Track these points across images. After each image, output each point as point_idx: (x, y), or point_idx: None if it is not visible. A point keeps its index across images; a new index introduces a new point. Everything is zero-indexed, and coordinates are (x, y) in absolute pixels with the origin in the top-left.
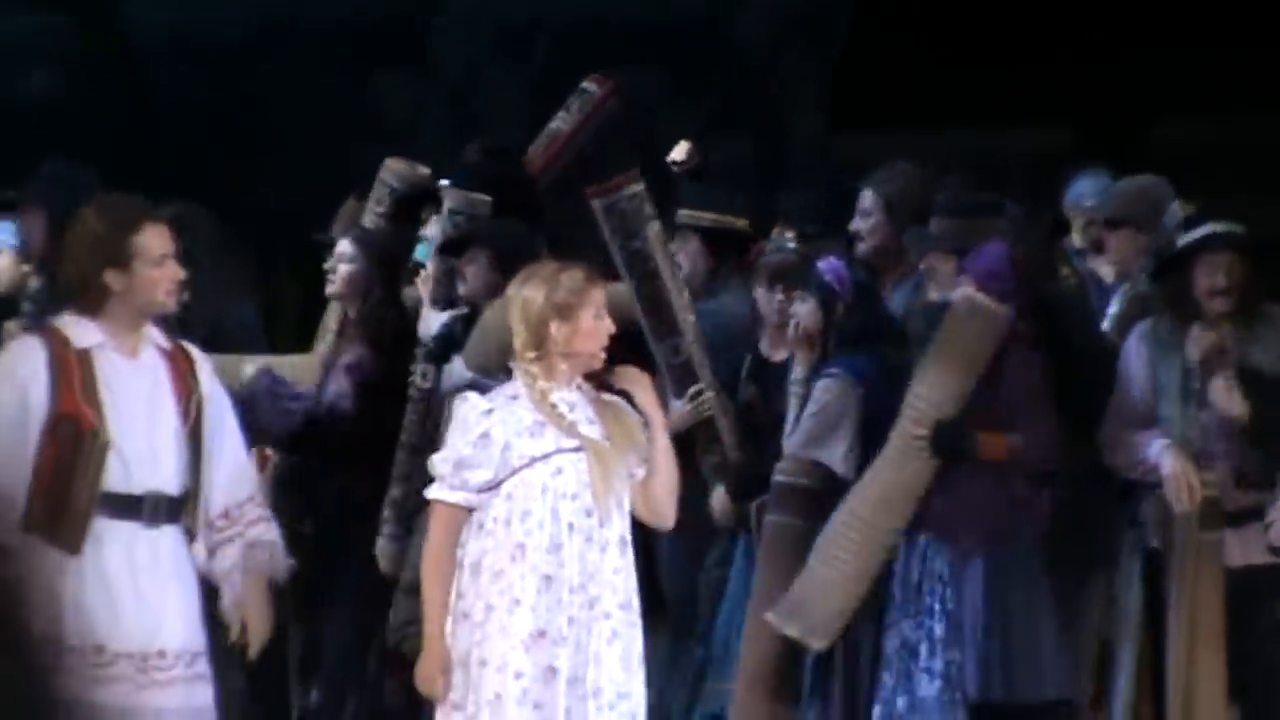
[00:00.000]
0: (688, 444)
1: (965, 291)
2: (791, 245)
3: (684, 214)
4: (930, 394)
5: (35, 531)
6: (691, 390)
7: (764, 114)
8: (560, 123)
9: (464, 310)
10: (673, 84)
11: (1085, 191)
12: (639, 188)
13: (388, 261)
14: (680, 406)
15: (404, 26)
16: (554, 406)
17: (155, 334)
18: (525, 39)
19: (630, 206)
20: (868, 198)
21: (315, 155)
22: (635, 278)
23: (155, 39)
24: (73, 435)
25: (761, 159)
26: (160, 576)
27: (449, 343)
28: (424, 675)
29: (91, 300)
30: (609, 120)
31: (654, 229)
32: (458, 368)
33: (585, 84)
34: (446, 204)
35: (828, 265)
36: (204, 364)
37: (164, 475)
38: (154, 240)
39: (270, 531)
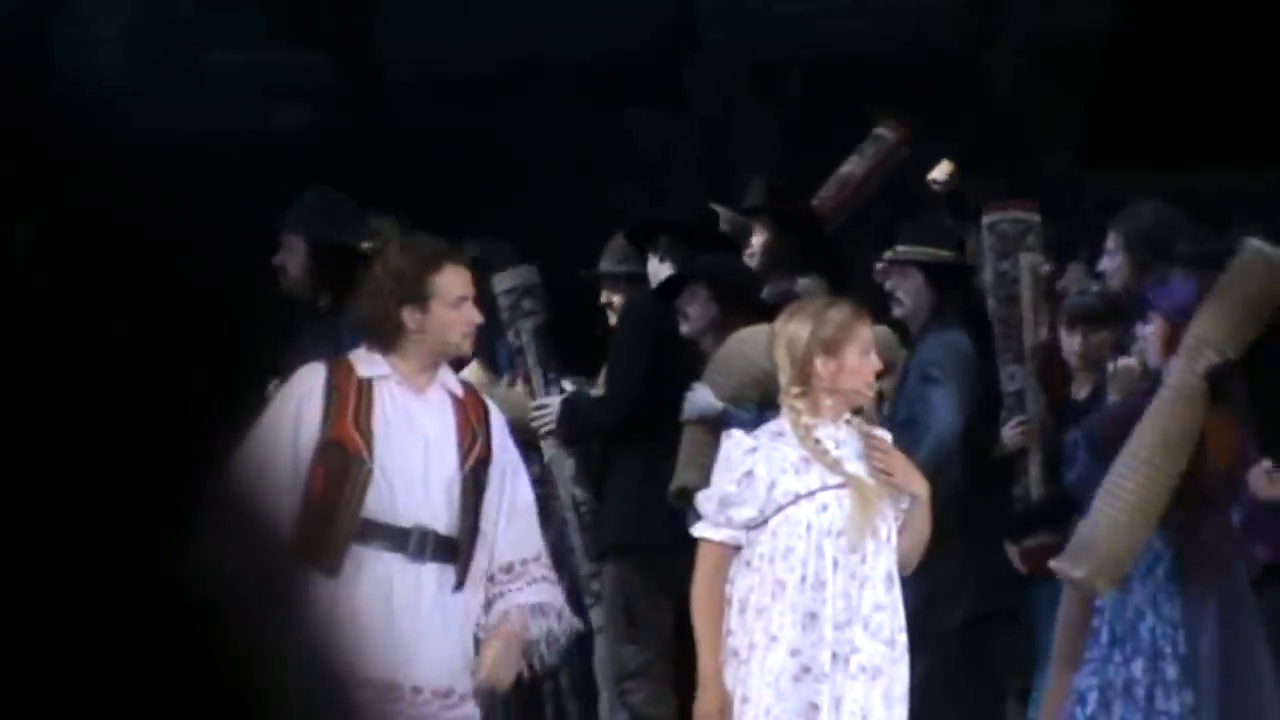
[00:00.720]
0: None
1: (1253, 242)
2: (1095, 289)
3: (903, 249)
4: (1206, 333)
5: (299, 553)
6: (1016, 419)
7: (1017, 152)
8: (852, 166)
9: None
10: (926, 121)
11: None
12: (1028, 217)
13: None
14: (1003, 433)
15: (658, 63)
16: (818, 443)
17: (449, 377)
18: (779, 76)
19: (1011, 230)
20: (1111, 237)
21: (567, 191)
22: (997, 299)
23: (409, 74)
24: (340, 460)
25: (1015, 196)
26: (419, 612)
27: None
28: (703, 714)
29: (387, 337)
30: (898, 166)
31: (1029, 259)
32: (701, 397)
33: (879, 130)
34: (503, 285)
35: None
36: (498, 417)
37: (434, 512)
38: (454, 281)
39: (553, 594)
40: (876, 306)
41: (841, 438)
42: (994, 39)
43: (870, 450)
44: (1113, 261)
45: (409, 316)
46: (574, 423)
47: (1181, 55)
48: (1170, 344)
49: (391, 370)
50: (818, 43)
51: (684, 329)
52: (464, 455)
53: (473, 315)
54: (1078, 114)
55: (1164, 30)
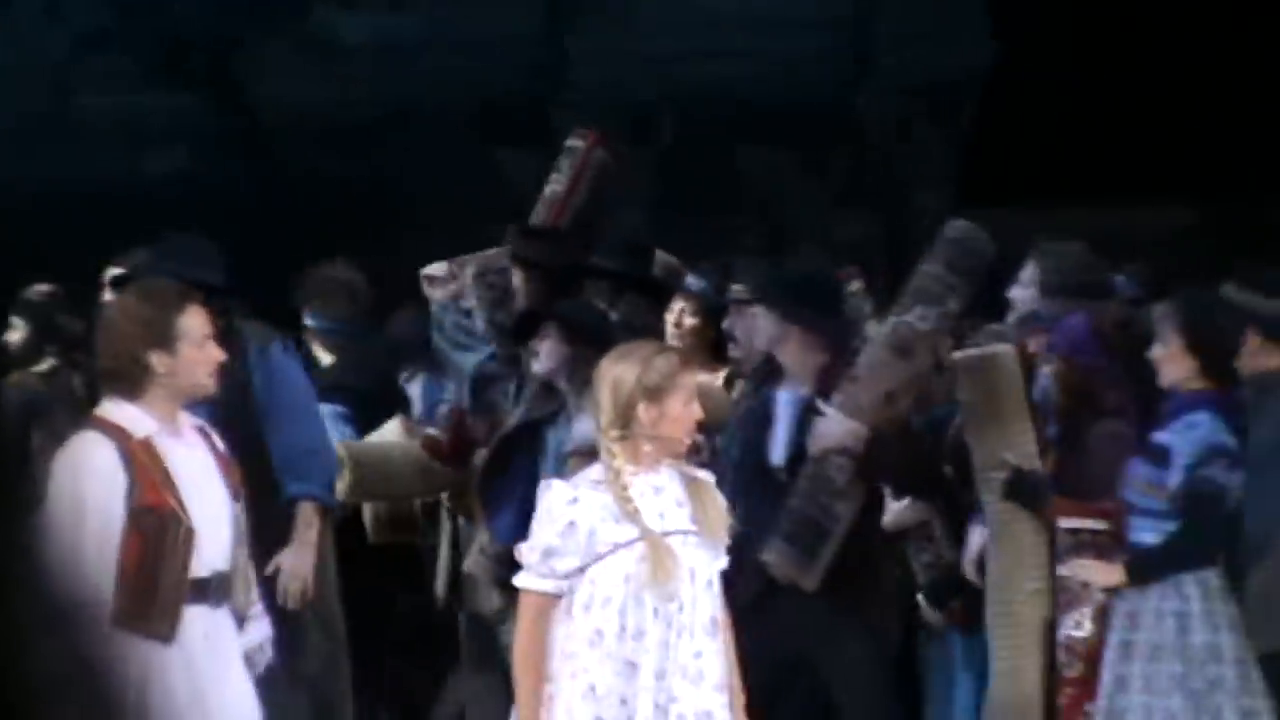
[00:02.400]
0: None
1: (962, 353)
2: (995, 326)
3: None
4: (984, 457)
5: (124, 625)
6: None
7: (889, 190)
8: (555, 185)
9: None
10: (801, 162)
11: None
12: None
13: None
14: (899, 504)
15: (529, 104)
16: (625, 489)
17: (184, 414)
18: (650, 118)
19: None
20: (1029, 270)
21: (441, 232)
22: None
23: (283, 118)
24: (156, 526)
25: (889, 235)
26: (226, 655)
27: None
28: None
29: (133, 383)
30: (599, 173)
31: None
32: (584, 427)
33: (569, 141)
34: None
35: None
36: (219, 440)
37: (221, 553)
38: (197, 320)
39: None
40: None
41: (662, 484)
42: (867, 79)
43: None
44: (1024, 293)
45: (157, 360)
46: None
47: (1054, 95)
48: (1068, 383)
49: (155, 423)
50: (689, 83)
51: (535, 367)
52: (233, 488)
53: (217, 354)
54: (950, 153)
55: (1036, 70)
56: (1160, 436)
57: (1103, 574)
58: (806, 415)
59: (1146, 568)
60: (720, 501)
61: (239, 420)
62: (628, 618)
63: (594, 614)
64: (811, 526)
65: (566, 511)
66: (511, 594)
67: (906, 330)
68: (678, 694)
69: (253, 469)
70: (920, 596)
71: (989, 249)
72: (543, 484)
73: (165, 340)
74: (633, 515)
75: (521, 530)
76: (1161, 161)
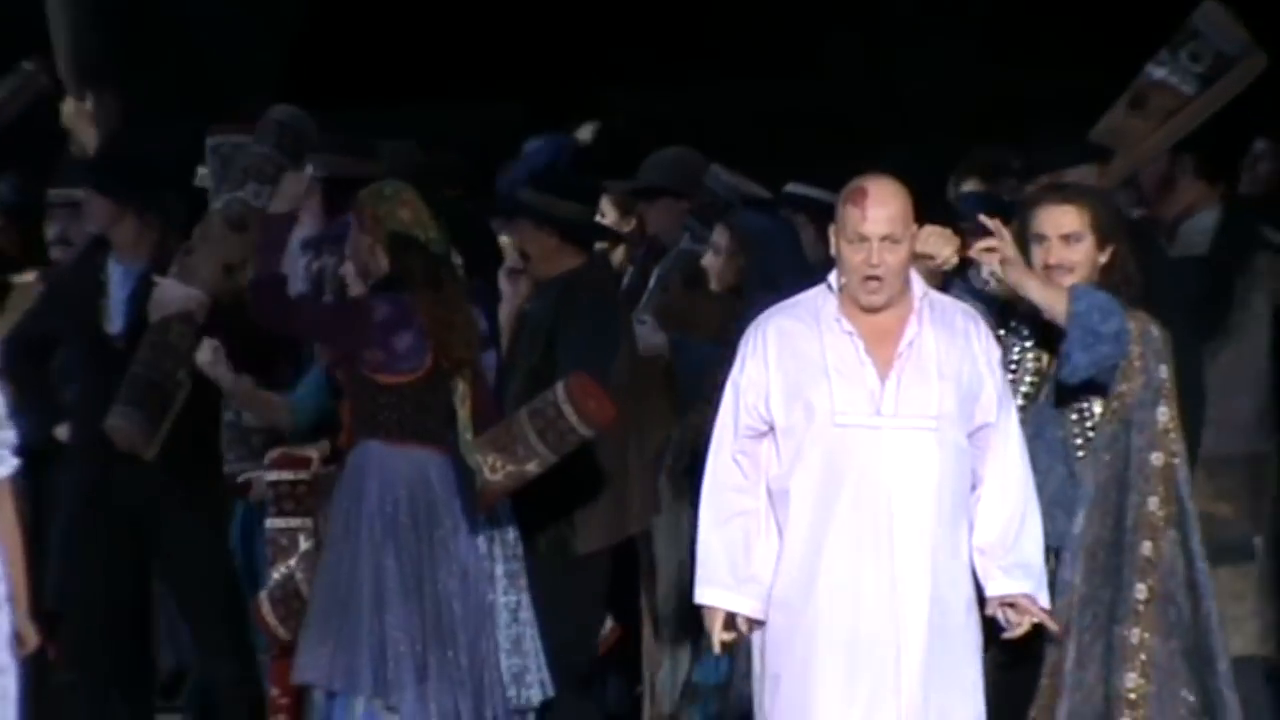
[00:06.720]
0: None
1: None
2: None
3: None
4: None
5: None
6: None
7: (216, 94)
8: None
9: None
10: (122, 63)
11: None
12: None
13: None
14: None
15: None
16: None
17: None
18: None
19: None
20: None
21: None
22: None
23: None
24: None
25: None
26: None
27: None
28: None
29: None
30: (35, 95)
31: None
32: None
33: (24, 64)
34: None
35: None
36: None
37: None
38: None
39: None
40: None
41: None
42: None
43: None
44: None
45: None
46: None
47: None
48: None
49: None
50: None
51: None
52: None
53: None
54: (278, 56)
55: None
56: None
57: None
58: (144, 287)
59: None
60: None
61: None
62: None
63: None
64: (155, 392)
65: None
66: None
67: (240, 206)
68: None
69: None
70: None
71: (311, 130)
72: None
73: None
74: None
75: None
76: (488, 58)
